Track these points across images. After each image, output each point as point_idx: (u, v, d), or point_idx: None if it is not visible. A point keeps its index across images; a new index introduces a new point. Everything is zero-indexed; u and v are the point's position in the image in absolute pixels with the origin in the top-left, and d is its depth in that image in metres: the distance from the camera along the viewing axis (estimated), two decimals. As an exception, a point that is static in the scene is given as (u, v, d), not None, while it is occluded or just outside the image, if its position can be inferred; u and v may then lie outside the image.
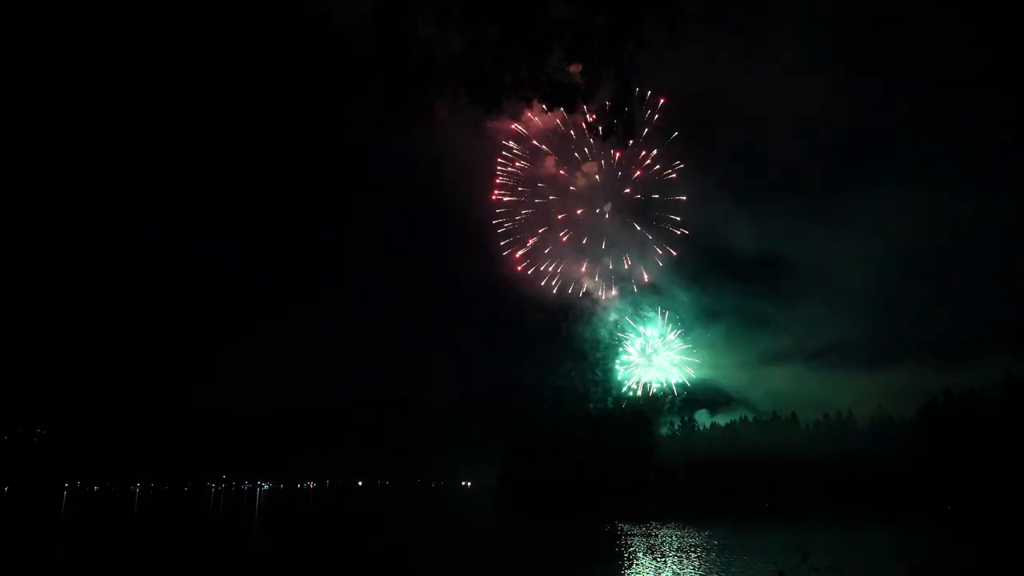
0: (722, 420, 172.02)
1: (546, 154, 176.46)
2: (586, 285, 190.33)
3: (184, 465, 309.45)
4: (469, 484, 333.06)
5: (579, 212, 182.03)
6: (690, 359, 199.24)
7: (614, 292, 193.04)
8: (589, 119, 8.07)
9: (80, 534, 63.92)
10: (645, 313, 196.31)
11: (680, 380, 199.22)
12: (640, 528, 64.68)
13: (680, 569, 37.26)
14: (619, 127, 8.03)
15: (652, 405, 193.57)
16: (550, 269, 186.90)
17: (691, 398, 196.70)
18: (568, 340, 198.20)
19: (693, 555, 43.18)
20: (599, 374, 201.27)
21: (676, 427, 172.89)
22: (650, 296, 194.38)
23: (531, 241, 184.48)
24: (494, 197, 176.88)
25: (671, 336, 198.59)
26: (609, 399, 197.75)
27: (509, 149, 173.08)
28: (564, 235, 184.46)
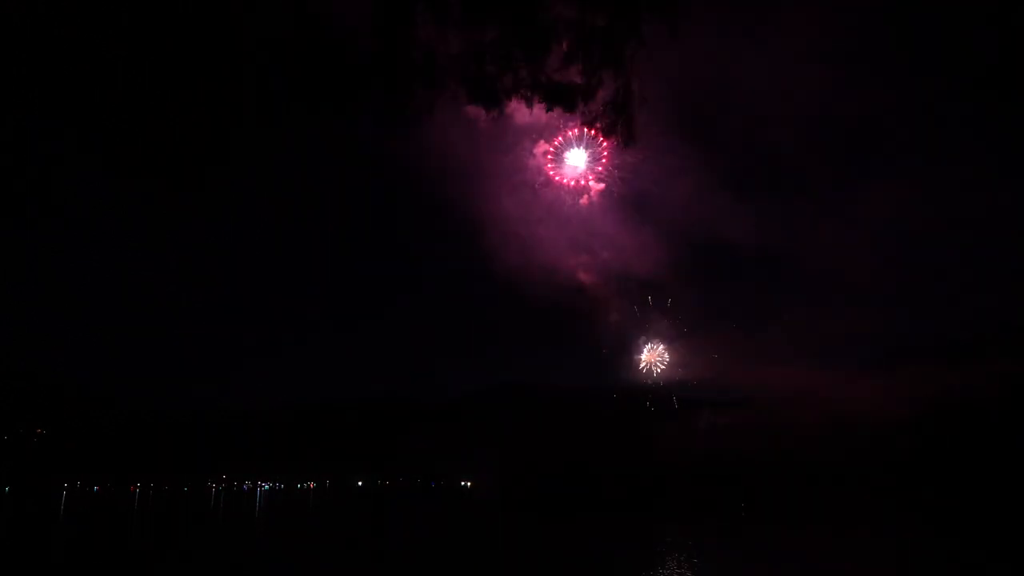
0: (723, 420, 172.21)
1: (534, 141, 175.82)
2: (585, 282, 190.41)
3: (184, 465, 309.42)
4: (469, 484, 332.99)
5: (572, 204, 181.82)
6: (691, 358, 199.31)
7: (614, 290, 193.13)
8: (589, 118, 8.07)
9: (79, 535, 63.92)
10: (645, 312, 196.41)
11: (680, 380, 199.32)
12: (640, 528, 64.67)
13: (679, 569, 37.25)
14: (620, 126, 8.02)
15: (652, 405, 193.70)
16: (548, 265, 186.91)
17: (692, 398, 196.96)
18: (570, 340, 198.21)
19: (693, 554, 43.17)
20: (600, 374, 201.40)
21: (676, 427, 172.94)
22: (650, 294, 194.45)
23: (526, 235, 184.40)
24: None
25: (672, 335, 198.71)
26: (611, 399, 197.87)
27: (498, 139, 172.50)
28: (559, 229, 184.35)
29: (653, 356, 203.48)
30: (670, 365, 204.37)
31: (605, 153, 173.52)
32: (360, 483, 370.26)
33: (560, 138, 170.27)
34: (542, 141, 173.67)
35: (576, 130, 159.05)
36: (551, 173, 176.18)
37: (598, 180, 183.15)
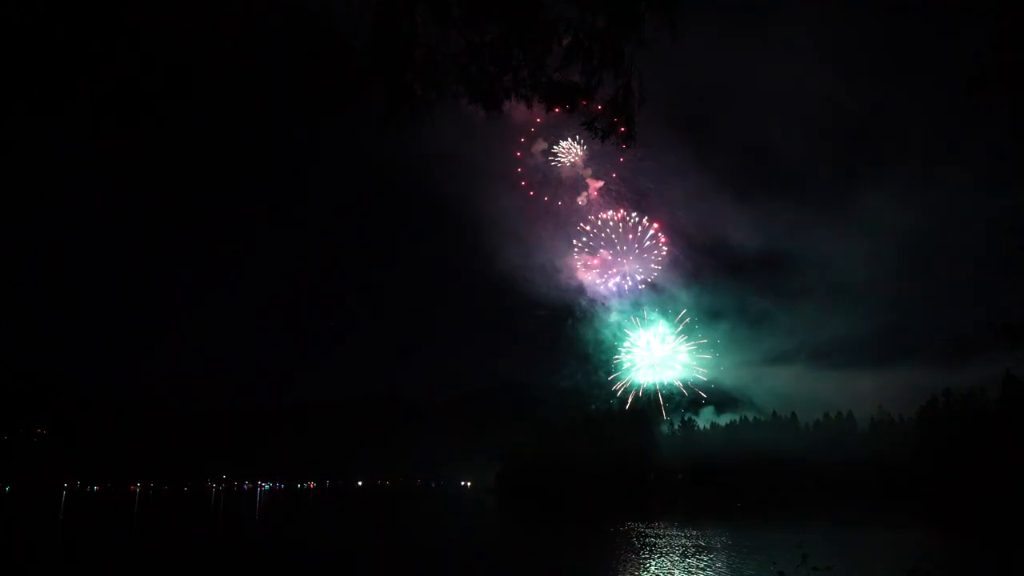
0: (723, 420, 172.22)
1: (532, 140, 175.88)
2: (584, 281, 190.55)
3: (184, 465, 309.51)
4: (469, 484, 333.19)
5: (570, 202, 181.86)
6: (691, 358, 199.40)
7: (614, 290, 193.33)
8: (589, 119, 8.09)
9: (79, 535, 63.93)
10: (646, 313, 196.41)
11: (681, 380, 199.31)
12: (640, 528, 64.69)
13: (679, 569, 37.25)
14: (620, 127, 8.03)
15: (652, 405, 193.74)
16: (547, 265, 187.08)
17: (692, 398, 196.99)
18: (570, 340, 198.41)
19: (692, 555, 43.18)
20: (600, 375, 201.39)
21: (676, 427, 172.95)
22: (651, 295, 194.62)
23: (524, 233, 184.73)
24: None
25: (672, 336, 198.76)
26: (613, 400, 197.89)
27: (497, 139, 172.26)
28: (557, 228, 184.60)
29: (653, 355, 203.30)
30: (671, 365, 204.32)
31: (604, 152, 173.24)
32: (360, 483, 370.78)
33: (558, 136, 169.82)
34: (540, 139, 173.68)
35: (575, 129, 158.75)
36: (549, 171, 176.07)
37: (596, 178, 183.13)
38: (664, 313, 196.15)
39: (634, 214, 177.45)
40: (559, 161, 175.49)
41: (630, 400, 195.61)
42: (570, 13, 7.27)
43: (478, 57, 7.39)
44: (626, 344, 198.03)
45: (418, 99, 7.52)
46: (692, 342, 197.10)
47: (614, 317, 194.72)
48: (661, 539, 53.96)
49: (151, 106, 6.44)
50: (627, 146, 8.35)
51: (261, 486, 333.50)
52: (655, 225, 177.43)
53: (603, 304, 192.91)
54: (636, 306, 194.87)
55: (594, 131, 8.28)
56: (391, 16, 6.91)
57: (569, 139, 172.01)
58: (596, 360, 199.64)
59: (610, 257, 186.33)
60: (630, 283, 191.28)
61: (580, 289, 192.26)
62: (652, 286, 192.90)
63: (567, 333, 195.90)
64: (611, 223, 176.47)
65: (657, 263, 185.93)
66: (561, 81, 7.81)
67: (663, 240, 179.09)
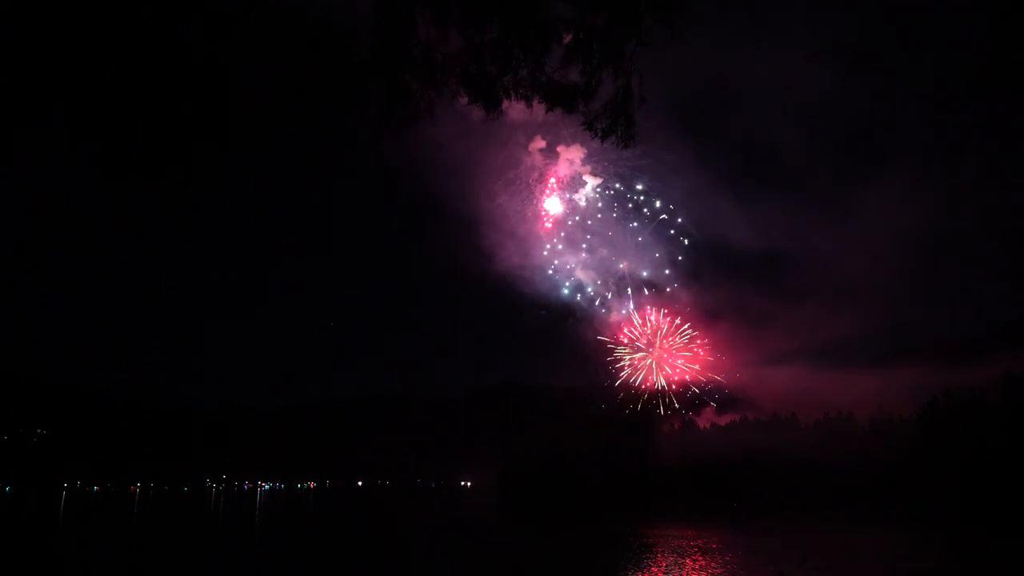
0: (723, 420, 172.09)
1: (530, 138, 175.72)
2: (582, 280, 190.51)
3: (184, 465, 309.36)
4: (469, 484, 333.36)
5: (568, 201, 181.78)
6: (692, 358, 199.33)
7: (615, 290, 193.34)
8: (589, 118, 8.08)
9: (79, 534, 63.89)
10: (647, 310, 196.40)
11: (681, 380, 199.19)
12: (639, 528, 64.66)
13: (679, 569, 37.24)
14: (620, 127, 8.03)
15: (653, 405, 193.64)
16: (547, 264, 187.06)
17: (692, 398, 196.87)
18: (570, 340, 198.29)
19: (692, 555, 43.17)
20: (600, 375, 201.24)
21: (676, 427, 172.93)
22: (651, 294, 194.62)
23: (523, 233, 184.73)
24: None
25: (673, 336, 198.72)
26: (612, 400, 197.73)
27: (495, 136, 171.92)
28: (555, 226, 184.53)
29: (654, 356, 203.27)
30: (670, 365, 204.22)
31: (603, 151, 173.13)
32: (360, 483, 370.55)
33: (557, 135, 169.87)
34: (538, 137, 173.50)
35: (575, 128, 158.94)
36: (547, 170, 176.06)
37: (595, 176, 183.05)
38: (664, 312, 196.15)
39: (638, 187, 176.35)
40: (558, 160, 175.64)
41: (629, 400, 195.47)
42: (570, 13, 7.28)
43: (478, 57, 7.39)
44: (626, 344, 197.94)
45: (417, 98, 7.52)
46: (692, 342, 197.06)
47: (614, 316, 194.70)
48: (661, 539, 53.94)
49: (145, 104, 6.45)
50: (627, 146, 8.34)
51: (261, 486, 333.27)
52: (669, 207, 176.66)
53: (604, 303, 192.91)
54: (637, 304, 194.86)
55: (594, 131, 8.27)
56: (391, 16, 6.92)
57: (568, 138, 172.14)
58: (596, 360, 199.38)
59: (605, 252, 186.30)
60: (631, 281, 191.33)
61: (580, 288, 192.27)
62: (653, 285, 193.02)
63: (567, 333, 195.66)
64: (601, 201, 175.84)
65: (659, 256, 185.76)
66: (561, 81, 7.81)
67: (677, 218, 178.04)
